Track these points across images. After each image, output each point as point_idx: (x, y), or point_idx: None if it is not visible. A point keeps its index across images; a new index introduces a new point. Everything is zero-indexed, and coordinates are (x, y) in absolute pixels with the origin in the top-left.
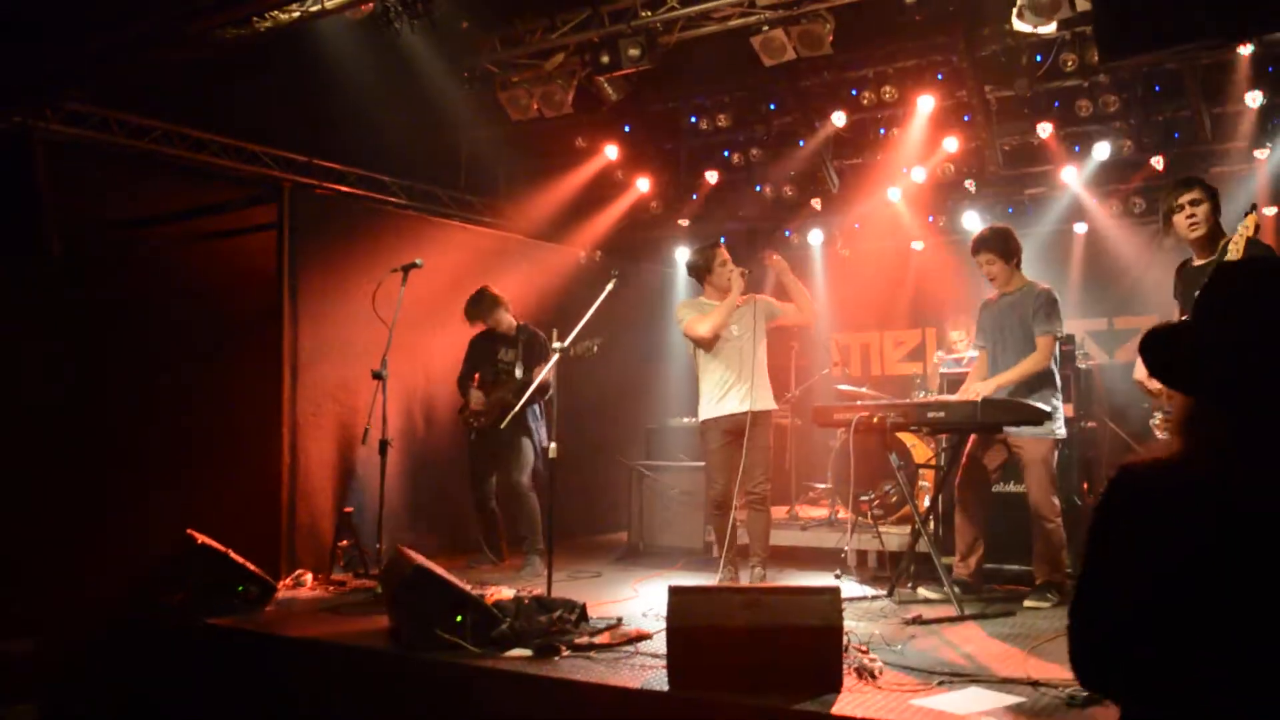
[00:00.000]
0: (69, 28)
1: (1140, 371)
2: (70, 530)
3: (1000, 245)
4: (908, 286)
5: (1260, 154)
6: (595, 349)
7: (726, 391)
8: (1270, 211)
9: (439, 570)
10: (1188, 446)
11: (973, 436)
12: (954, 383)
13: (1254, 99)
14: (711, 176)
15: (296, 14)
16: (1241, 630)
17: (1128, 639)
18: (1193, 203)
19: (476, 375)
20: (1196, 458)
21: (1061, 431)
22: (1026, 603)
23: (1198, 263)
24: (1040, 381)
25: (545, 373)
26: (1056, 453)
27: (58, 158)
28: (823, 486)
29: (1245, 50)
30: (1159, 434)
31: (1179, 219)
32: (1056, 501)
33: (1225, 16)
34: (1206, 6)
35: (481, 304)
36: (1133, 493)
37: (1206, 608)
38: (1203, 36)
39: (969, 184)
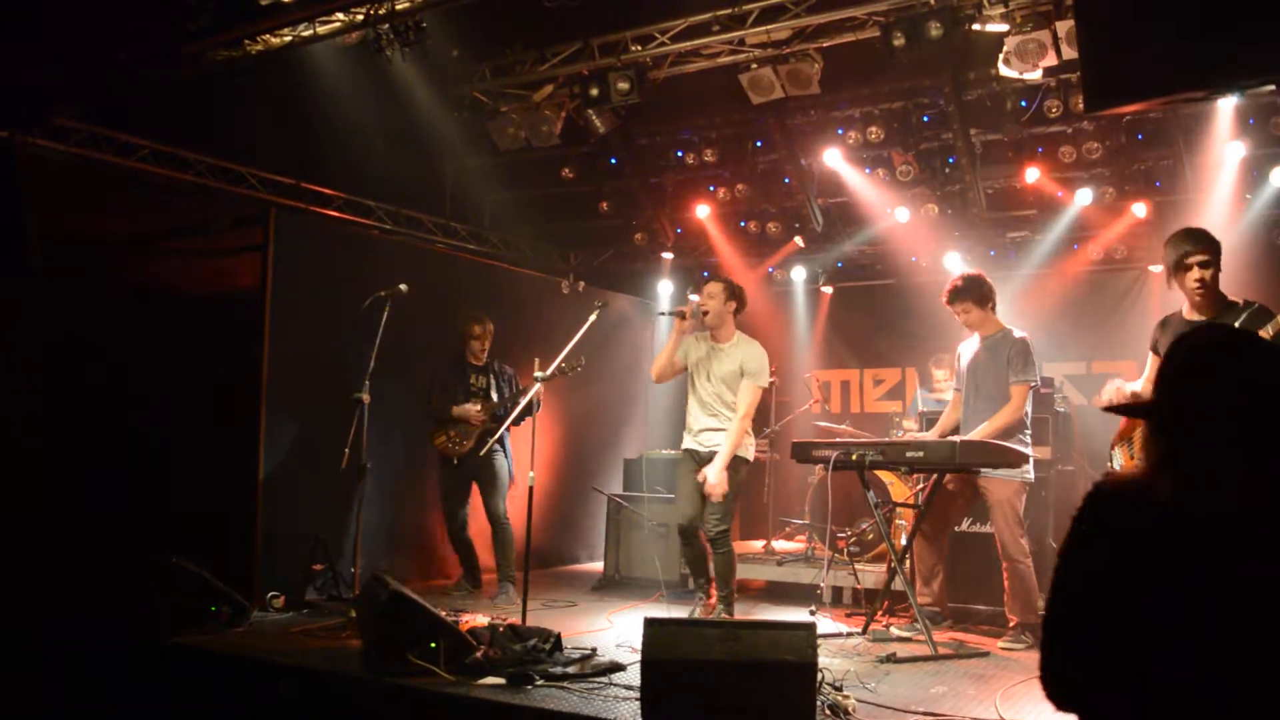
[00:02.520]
0: (62, 45)
1: (1101, 398)
2: (43, 548)
3: (974, 293)
4: (889, 325)
5: (1240, 204)
6: (580, 367)
7: (689, 425)
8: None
9: (414, 596)
10: (1148, 465)
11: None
12: (933, 422)
13: (1235, 150)
14: (697, 211)
15: (288, 38)
16: (1201, 644)
17: (1101, 655)
18: (1202, 264)
19: (440, 396)
20: (1153, 475)
21: (1030, 475)
22: (1000, 645)
23: (1190, 317)
24: (1011, 426)
25: (530, 397)
26: (1024, 495)
27: (43, 173)
28: (800, 522)
29: (1228, 102)
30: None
31: (1187, 277)
32: (1025, 542)
33: (1211, 70)
34: (1193, 60)
35: (478, 320)
36: (1106, 508)
37: (1168, 620)
38: (1188, 88)
39: (951, 224)
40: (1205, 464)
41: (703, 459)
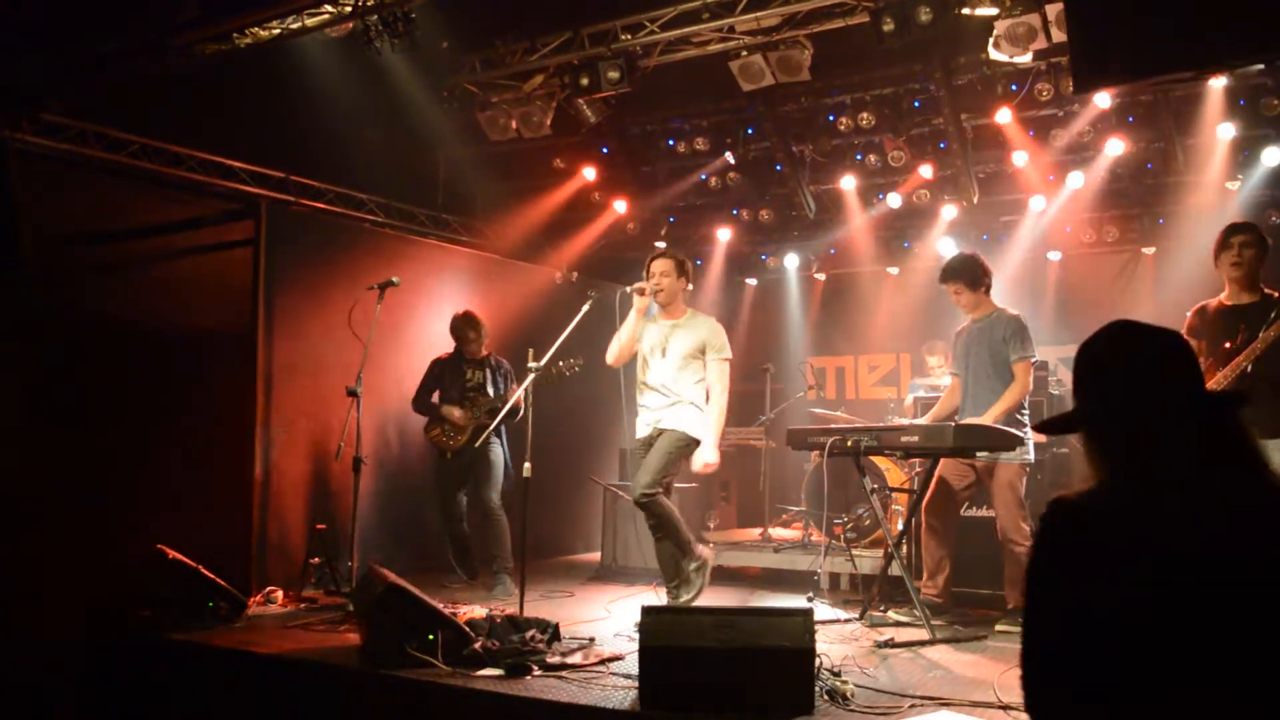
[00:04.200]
0: (49, 40)
1: None
2: (39, 544)
3: (968, 273)
4: (882, 311)
5: (1232, 185)
6: (578, 367)
7: (641, 411)
8: None
9: (411, 588)
10: (1100, 472)
11: (942, 459)
12: (928, 408)
13: (1226, 131)
14: (689, 200)
15: (277, 30)
16: (1182, 657)
17: (1083, 680)
18: (1244, 244)
19: (436, 393)
20: (1108, 479)
21: (1030, 456)
22: (998, 627)
23: (1228, 302)
24: (1020, 404)
25: (519, 394)
26: (1025, 477)
27: (33, 169)
28: (796, 509)
29: (1218, 83)
30: None
31: (1225, 256)
32: (1026, 526)
33: (1199, 49)
34: (1181, 39)
35: (470, 323)
36: (1066, 525)
37: (1144, 631)
38: (1177, 68)
39: (945, 210)
40: (1117, 459)
41: (646, 444)
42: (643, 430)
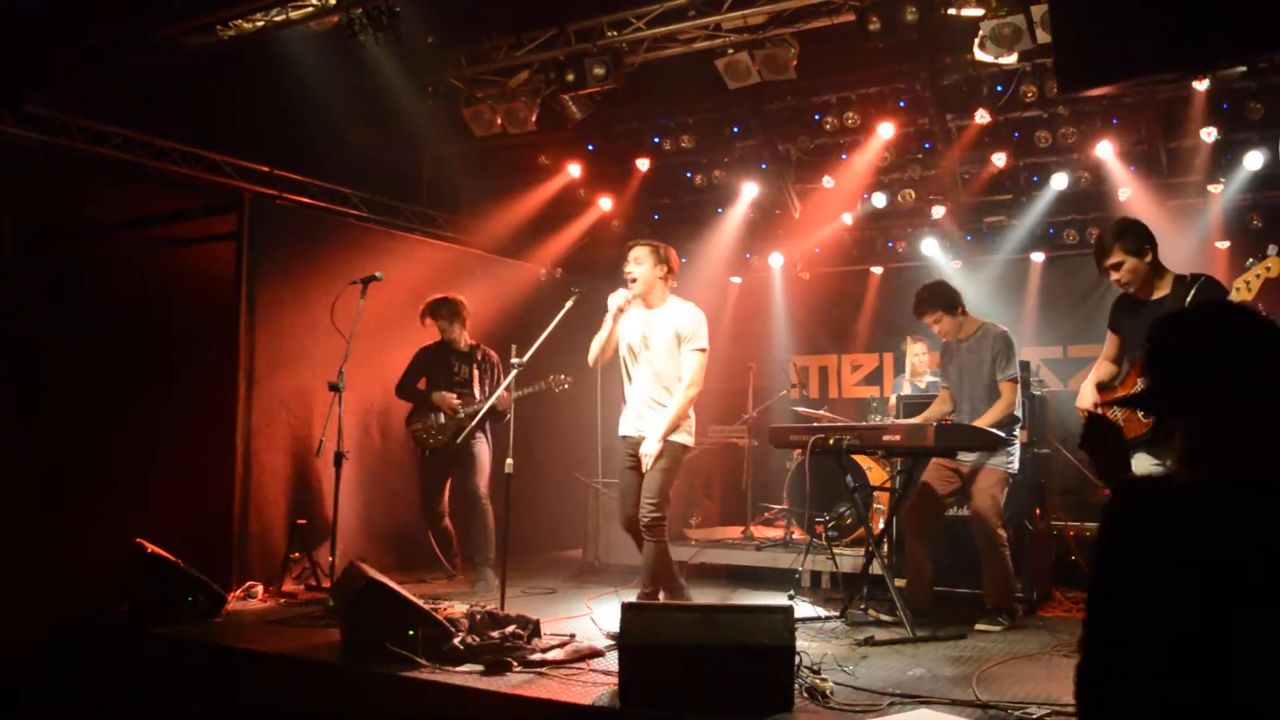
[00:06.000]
0: (32, 31)
1: (1083, 399)
2: (17, 537)
3: (943, 300)
4: (866, 311)
5: (1214, 189)
6: (568, 384)
7: (626, 411)
8: (1223, 245)
9: (392, 584)
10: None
11: (929, 465)
12: (910, 407)
13: (1209, 134)
14: (674, 197)
15: (261, 23)
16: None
17: (1142, 669)
18: (1114, 267)
19: (424, 380)
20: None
21: (1015, 468)
22: (978, 626)
23: (1142, 298)
24: (1006, 422)
25: (501, 391)
26: (1005, 489)
27: (15, 160)
28: (778, 507)
29: (1201, 86)
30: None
31: (1111, 279)
32: (1002, 531)
33: (1183, 51)
34: (1165, 41)
35: (449, 308)
36: (1144, 507)
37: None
38: (1161, 70)
39: (933, 211)
40: (1197, 439)
41: (630, 445)
42: (628, 429)
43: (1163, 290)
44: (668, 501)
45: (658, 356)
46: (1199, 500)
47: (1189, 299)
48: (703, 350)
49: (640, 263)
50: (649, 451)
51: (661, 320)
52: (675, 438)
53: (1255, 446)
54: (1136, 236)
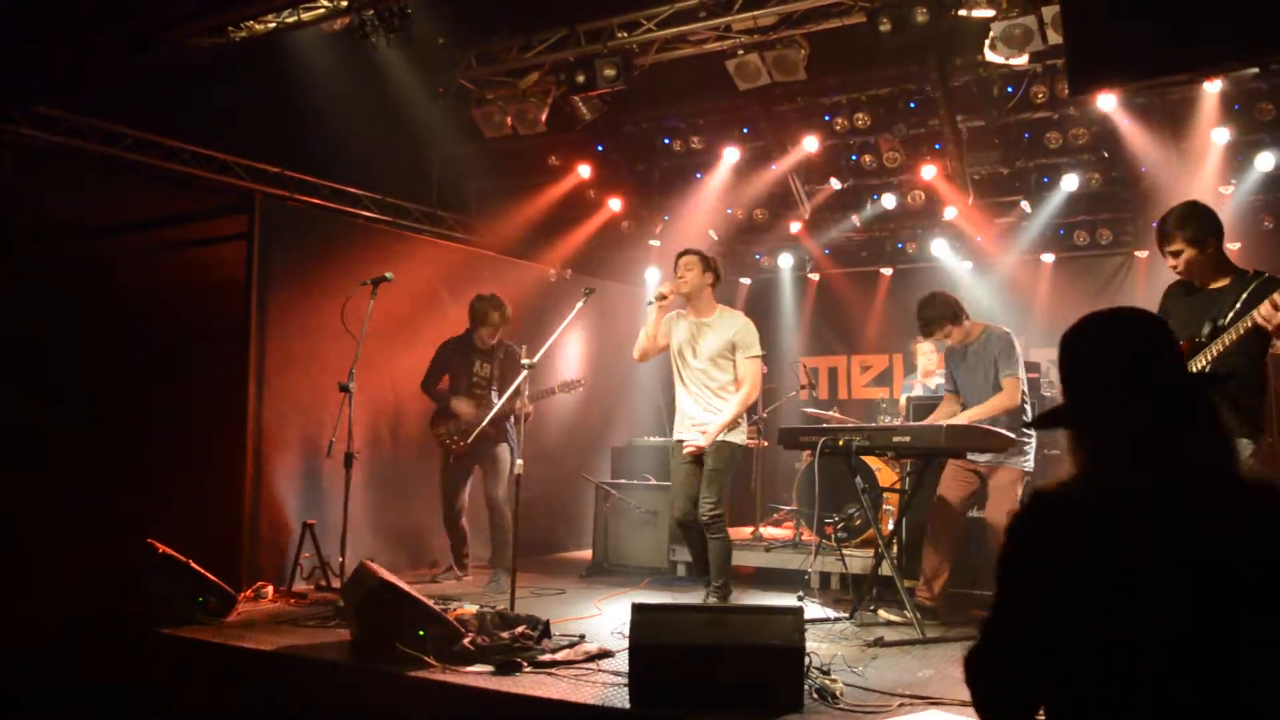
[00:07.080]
0: (44, 33)
1: None
2: (28, 537)
3: (949, 312)
4: (876, 312)
5: (1225, 190)
6: (580, 386)
7: (680, 415)
8: (1235, 246)
9: (402, 584)
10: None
11: (947, 468)
12: (920, 408)
13: (1221, 135)
14: (683, 198)
15: (272, 24)
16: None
17: (1038, 681)
18: (1174, 254)
19: (445, 378)
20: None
21: (1030, 465)
22: None
23: (1198, 284)
24: (1014, 420)
25: (513, 390)
26: (1021, 486)
27: (27, 162)
28: (787, 508)
29: (1213, 87)
30: None
31: (1169, 264)
32: None
33: (1195, 52)
34: (1177, 42)
35: (501, 314)
36: (1042, 517)
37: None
38: (1172, 71)
39: (940, 211)
40: (1092, 453)
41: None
42: (682, 433)
43: (1222, 282)
44: (725, 500)
45: (708, 364)
46: (1076, 506)
47: (1244, 296)
48: (758, 356)
49: (690, 269)
50: (698, 441)
51: (710, 330)
52: (731, 437)
53: (1138, 452)
54: (1199, 227)
